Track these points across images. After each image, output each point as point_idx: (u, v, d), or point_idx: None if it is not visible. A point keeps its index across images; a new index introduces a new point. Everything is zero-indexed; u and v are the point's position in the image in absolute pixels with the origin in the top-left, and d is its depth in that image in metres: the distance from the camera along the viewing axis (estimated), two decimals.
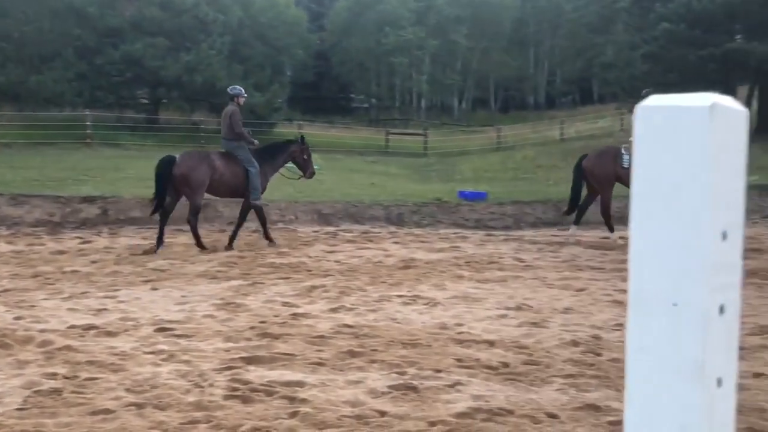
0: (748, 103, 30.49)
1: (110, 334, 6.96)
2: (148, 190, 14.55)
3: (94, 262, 11.46)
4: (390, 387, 5.39)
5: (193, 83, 34.56)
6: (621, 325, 7.64)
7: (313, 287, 9.39)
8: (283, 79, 47.15)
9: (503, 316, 7.97)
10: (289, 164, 14.07)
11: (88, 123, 29.52)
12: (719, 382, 0.96)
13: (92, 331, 7.03)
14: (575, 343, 6.80)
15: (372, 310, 8.09)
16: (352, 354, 6.27)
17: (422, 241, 14.38)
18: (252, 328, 7.19)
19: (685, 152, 0.95)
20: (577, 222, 14.94)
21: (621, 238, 14.09)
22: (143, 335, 6.92)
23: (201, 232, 13.05)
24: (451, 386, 5.42)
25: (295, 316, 7.75)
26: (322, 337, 6.84)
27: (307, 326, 7.28)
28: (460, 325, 7.46)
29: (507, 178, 26.26)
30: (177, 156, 12.80)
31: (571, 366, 6.07)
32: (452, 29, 54.44)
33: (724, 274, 0.97)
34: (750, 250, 12.99)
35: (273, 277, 10.14)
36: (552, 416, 4.90)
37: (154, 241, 12.61)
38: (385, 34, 52.44)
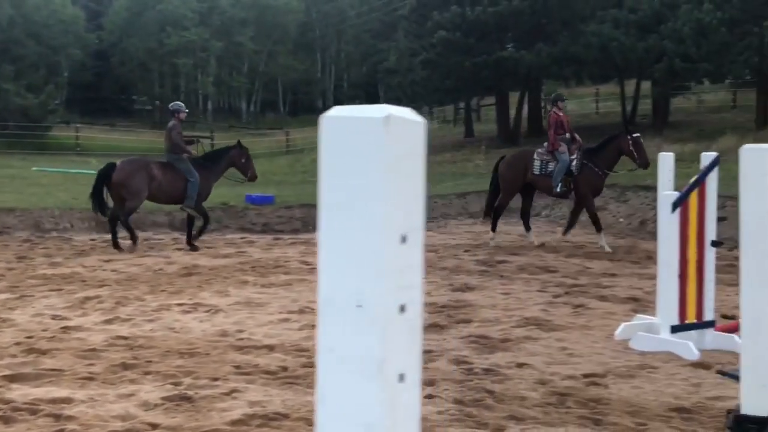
0: (519, 109, 32.41)
1: None
2: None
3: None
4: (163, 398, 5.25)
5: None
6: None
7: (87, 298, 8.97)
8: (60, 79, 44.89)
9: (285, 320, 7.99)
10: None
11: None
12: (401, 377, 1.00)
13: None
14: None
15: (149, 320, 7.84)
16: (125, 366, 6.05)
17: (207, 247, 14.12)
18: (18, 344, 6.77)
19: (364, 161, 0.99)
20: (526, 228, 14.53)
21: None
22: None
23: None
24: (228, 394, 5.37)
25: (65, 329, 7.37)
26: (93, 350, 6.55)
27: (78, 340, 6.95)
28: (241, 331, 7.40)
29: (295, 181, 26.37)
30: (118, 163, 13.71)
31: None
32: (237, 31, 54.00)
33: (404, 275, 1.01)
34: (520, 247, 13.82)
35: (43, 289, 9.59)
36: None
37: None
38: (168, 35, 51.15)
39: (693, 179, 6.62)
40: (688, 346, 6.29)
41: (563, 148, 13.76)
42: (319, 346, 1.03)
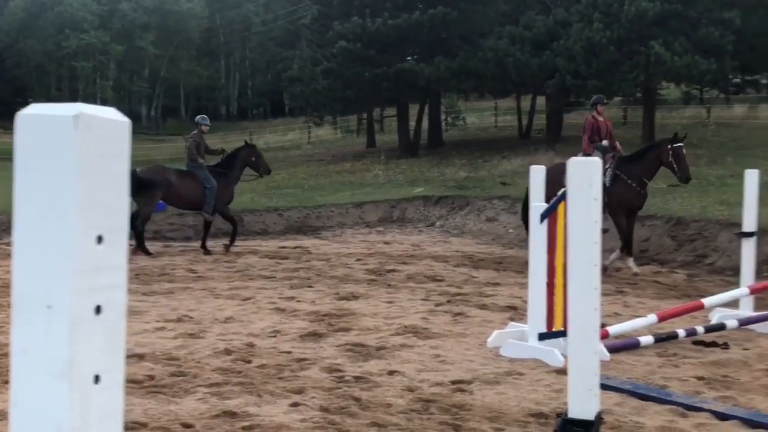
0: (419, 120, 32.75)
1: None
2: None
3: None
4: None
5: None
6: (278, 331, 7.86)
7: None
8: None
9: (161, 329, 7.87)
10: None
11: None
12: (96, 378, 1.00)
13: None
14: (228, 352, 6.88)
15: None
16: None
17: None
18: None
19: (56, 160, 0.98)
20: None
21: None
22: None
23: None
24: None
25: None
26: None
27: None
28: None
29: None
30: (137, 170, 14.27)
31: (218, 375, 6.13)
32: (138, 35, 52.94)
33: (101, 276, 1.01)
34: (410, 257, 13.94)
35: None
36: (187, 426, 4.91)
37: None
38: (66, 37, 49.76)
39: (561, 191, 6.80)
40: (554, 353, 6.46)
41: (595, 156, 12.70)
42: (12, 346, 1.02)
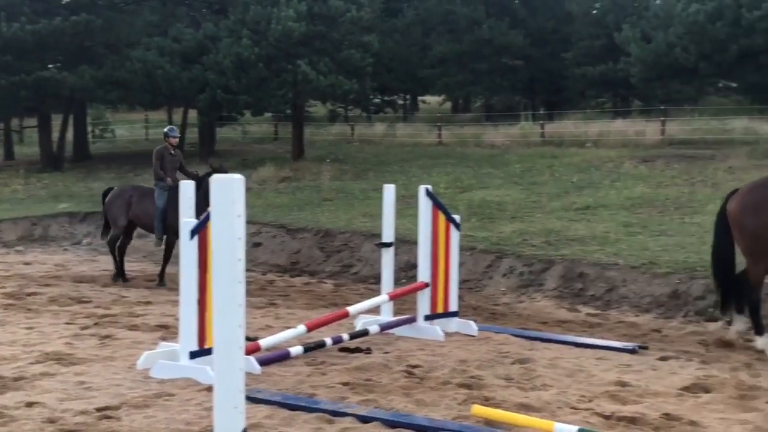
0: (63, 132, 30.94)
1: None
2: None
3: None
4: None
5: None
6: None
7: None
8: None
9: None
10: None
11: None
12: None
13: None
14: None
15: None
16: None
17: None
18: None
19: None
20: (740, 311, 8.43)
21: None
22: None
23: None
24: None
25: None
26: None
27: None
28: None
29: None
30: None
31: None
32: None
33: None
34: (53, 278, 13.06)
35: None
36: None
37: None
38: None
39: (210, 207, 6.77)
40: (206, 371, 6.40)
41: None
42: None
